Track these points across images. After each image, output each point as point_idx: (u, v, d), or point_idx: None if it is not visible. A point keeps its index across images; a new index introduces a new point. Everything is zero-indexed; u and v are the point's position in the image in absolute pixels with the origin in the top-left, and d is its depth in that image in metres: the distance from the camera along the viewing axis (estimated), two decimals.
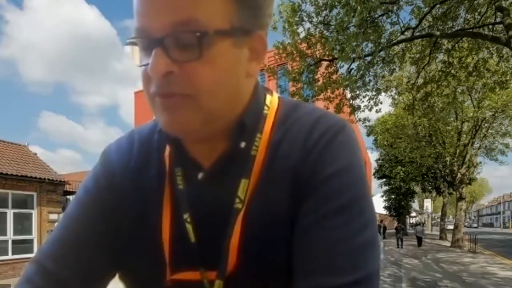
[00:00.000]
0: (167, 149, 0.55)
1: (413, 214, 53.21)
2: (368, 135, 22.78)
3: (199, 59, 0.42)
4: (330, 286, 0.42)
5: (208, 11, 0.41)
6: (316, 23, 9.03)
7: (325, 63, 9.66)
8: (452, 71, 9.37)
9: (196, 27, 0.41)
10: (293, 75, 9.71)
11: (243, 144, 0.50)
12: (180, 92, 0.43)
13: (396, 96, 15.60)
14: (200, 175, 0.52)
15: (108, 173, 0.57)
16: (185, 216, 0.51)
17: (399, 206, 32.46)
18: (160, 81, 0.43)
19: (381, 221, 28.09)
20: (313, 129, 0.49)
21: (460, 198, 21.06)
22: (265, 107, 0.53)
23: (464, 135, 19.74)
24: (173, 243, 0.51)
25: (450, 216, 60.77)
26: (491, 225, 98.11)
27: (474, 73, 9.26)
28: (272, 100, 0.55)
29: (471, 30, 8.48)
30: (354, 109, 10.48)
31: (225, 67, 0.44)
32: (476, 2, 8.13)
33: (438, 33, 8.31)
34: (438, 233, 33.60)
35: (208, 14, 0.41)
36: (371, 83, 10.21)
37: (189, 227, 0.51)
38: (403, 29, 8.88)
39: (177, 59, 0.42)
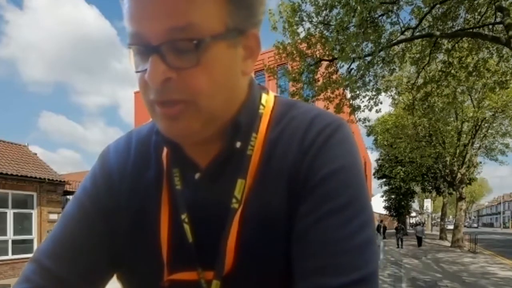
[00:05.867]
0: (165, 149, 0.55)
1: (413, 214, 53.20)
2: (368, 135, 22.77)
3: (197, 66, 0.41)
4: (330, 286, 0.42)
5: (204, 15, 0.41)
6: (316, 23, 9.01)
7: (325, 63, 9.64)
8: (452, 71, 9.34)
9: (193, 33, 0.40)
10: (293, 75, 9.69)
11: (238, 144, 0.50)
12: (179, 99, 0.43)
13: (396, 96, 15.58)
14: (197, 176, 0.52)
15: (106, 174, 0.57)
16: (183, 216, 0.51)
17: (399, 206, 32.42)
18: (158, 88, 0.42)
19: (381, 221, 28.05)
20: (310, 128, 0.49)
21: (460, 198, 21.04)
22: (261, 106, 0.53)
23: (464, 135, 19.71)
24: (171, 243, 0.51)
25: (450, 216, 60.75)
26: (491, 225, 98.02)
27: (474, 73, 9.23)
28: (268, 99, 0.55)
29: (471, 30, 8.46)
30: (354, 109, 10.46)
31: (222, 70, 0.44)
32: (476, 2, 8.12)
33: (438, 33, 8.29)
34: (438, 233, 33.56)
35: (204, 18, 0.41)
36: (371, 83, 10.21)
37: (186, 227, 0.51)
38: (403, 29, 8.87)
39: (174, 65, 0.41)
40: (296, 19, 8.96)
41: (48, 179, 11.84)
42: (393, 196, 32.66)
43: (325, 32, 9.04)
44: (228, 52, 0.44)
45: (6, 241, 10.84)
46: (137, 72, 0.45)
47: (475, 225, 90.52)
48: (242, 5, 0.44)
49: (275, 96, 0.57)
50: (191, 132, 0.46)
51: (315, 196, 0.46)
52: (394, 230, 25.24)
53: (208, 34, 0.41)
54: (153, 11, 0.40)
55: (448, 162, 20.77)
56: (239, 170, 0.50)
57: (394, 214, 34.15)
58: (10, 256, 10.86)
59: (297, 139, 0.49)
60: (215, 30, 0.42)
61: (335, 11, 8.42)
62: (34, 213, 11.60)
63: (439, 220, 39.83)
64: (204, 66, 0.42)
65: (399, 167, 26.42)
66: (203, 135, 0.48)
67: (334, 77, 9.75)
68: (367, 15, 7.47)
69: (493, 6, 7.81)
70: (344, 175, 0.46)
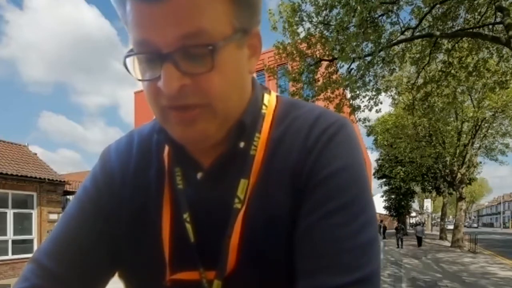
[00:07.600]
0: (166, 148, 0.55)
1: (413, 214, 53.25)
2: (368, 135, 22.74)
3: (211, 70, 0.41)
4: (333, 285, 0.42)
5: (213, 19, 0.40)
6: (316, 23, 9.01)
7: (325, 63, 9.64)
8: (452, 71, 9.34)
9: (205, 38, 0.40)
10: (293, 75, 9.69)
11: (242, 144, 0.50)
12: (195, 103, 0.43)
13: (396, 96, 15.57)
14: (199, 175, 0.52)
15: (107, 174, 0.57)
16: (185, 216, 0.51)
17: (399, 206, 32.42)
18: (173, 94, 0.41)
19: (381, 221, 28.05)
20: (313, 127, 0.49)
21: (460, 198, 21.04)
22: (263, 106, 0.53)
23: (464, 135, 19.70)
24: (173, 243, 0.51)
25: (450, 216, 60.78)
26: (491, 225, 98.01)
27: (474, 73, 9.23)
28: (270, 99, 0.55)
29: (471, 30, 8.47)
30: (354, 109, 10.45)
31: (234, 72, 0.44)
32: (476, 2, 8.12)
33: (438, 33, 8.29)
34: (438, 233, 33.57)
35: (213, 22, 0.40)
36: (371, 83, 10.20)
37: (188, 227, 0.51)
38: (403, 29, 8.87)
39: (189, 72, 0.41)
40: (296, 19, 8.96)
41: (48, 179, 11.83)
42: (393, 196, 32.66)
43: (325, 32, 9.04)
44: (237, 52, 0.45)
45: (6, 241, 10.83)
46: (144, 80, 0.44)
47: (475, 225, 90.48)
48: (246, 5, 0.44)
49: (277, 96, 0.57)
50: (207, 136, 0.46)
51: (318, 195, 0.46)
52: (394, 230, 25.25)
53: (219, 38, 0.41)
54: (162, 19, 0.39)
55: (448, 162, 20.76)
56: (242, 170, 0.50)
57: (394, 214, 34.14)
58: (10, 256, 10.85)
59: (300, 138, 0.49)
60: (224, 33, 0.41)
61: (335, 11, 8.42)
62: (34, 213, 11.59)
63: (439, 220, 39.86)
64: (218, 69, 0.42)
65: (399, 167, 26.40)
66: (217, 138, 0.48)
67: (334, 77, 9.75)
68: (367, 15, 7.47)
69: (493, 6, 7.80)
70: (347, 174, 0.46)
